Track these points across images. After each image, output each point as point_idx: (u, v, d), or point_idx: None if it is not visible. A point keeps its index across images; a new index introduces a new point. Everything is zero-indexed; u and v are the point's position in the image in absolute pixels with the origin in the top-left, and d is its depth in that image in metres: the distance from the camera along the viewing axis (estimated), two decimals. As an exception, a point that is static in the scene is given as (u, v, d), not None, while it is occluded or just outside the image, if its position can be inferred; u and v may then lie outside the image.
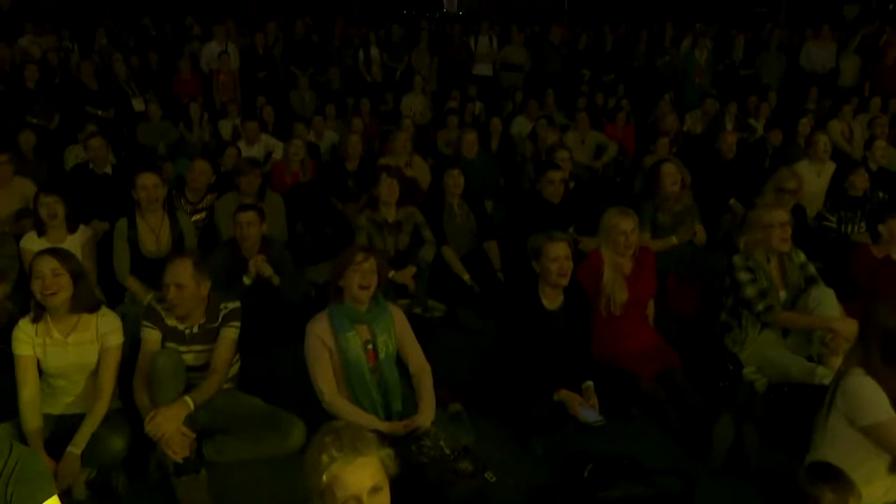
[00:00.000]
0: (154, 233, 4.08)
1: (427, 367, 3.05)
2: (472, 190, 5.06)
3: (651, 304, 3.74)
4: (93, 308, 2.88)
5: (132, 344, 3.09)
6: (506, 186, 6.78)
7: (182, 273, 2.91)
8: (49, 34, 10.21)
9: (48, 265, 2.74)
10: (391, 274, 4.15)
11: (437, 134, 7.91)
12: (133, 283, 3.97)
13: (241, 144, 6.81)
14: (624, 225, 3.43)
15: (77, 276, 2.80)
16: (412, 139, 6.24)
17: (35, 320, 2.82)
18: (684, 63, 10.09)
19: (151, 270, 3.90)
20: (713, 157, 6.28)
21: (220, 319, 3.03)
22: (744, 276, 3.56)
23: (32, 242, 3.94)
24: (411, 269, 4.28)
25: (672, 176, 4.59)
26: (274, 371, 3.69)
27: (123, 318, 3.58)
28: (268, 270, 3.84)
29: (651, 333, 3.61)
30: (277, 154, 6.50)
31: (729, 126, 7.95)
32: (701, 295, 4.30)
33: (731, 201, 5.80)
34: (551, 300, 3.18)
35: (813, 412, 2.65)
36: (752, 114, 8.32)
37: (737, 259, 3.63)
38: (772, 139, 7.24)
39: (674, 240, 4.60)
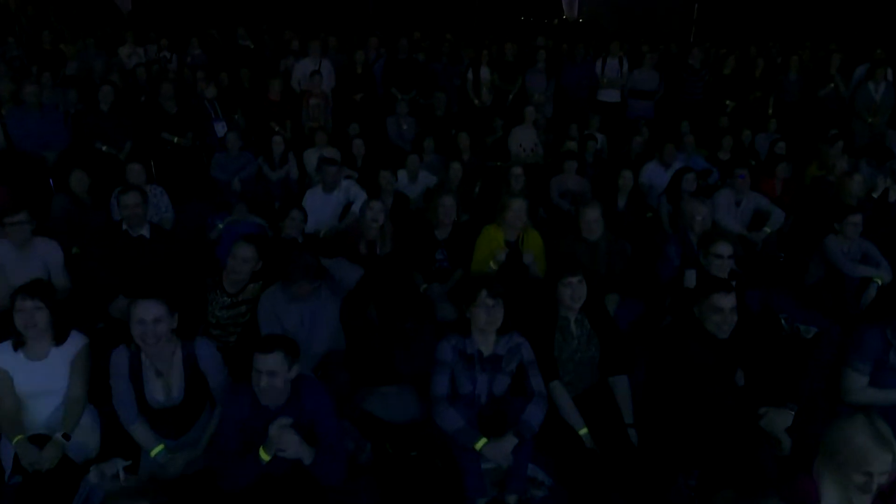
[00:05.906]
0: (163, 376, 2.96)
1: None
2: (594, 287, 3.63)
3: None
4: None
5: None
6: (634, 259, 5.27)
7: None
8: (151, 44, 9.63)
9: None
10: (479, 446, 2.89)
11: (552, 180, 6.58)
12: (140, 432, 2.91)
13: (318, 189, 5.81)
14: (883, 462, 2.04)
15: None
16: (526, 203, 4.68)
17: None
18: (855, 97, 8.28)
19: (163, 418, 2.93)
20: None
21: None
22: None
23: (5, 359, 2.98)
24: (511, 441, 2.90)
25: None
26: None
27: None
28: (293, 446, 2.61)
29: None
30: (357, 206, 5.36)
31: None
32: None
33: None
34: None
35: None
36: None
37: None
38: None
39: None
